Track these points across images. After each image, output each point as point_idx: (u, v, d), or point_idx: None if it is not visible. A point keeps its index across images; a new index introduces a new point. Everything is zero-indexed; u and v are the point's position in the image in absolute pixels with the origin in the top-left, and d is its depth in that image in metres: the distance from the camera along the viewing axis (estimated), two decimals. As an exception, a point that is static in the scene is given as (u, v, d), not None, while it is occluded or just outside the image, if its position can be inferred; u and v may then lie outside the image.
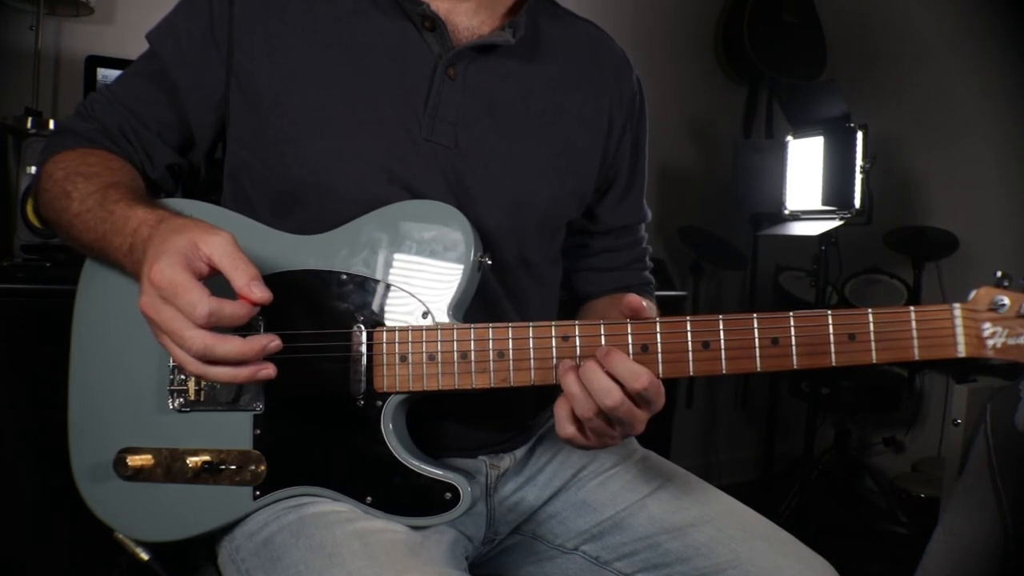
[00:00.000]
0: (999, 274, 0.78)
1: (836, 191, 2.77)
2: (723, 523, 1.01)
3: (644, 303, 0.85)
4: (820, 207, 2.84)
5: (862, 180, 2.75)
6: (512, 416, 1.07)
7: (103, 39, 2.14)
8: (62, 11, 2.06)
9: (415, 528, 0.91)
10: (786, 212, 2.99)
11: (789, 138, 2.99)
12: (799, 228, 2.93)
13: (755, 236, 3.42)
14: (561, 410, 0.87)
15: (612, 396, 0.82)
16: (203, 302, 0.76)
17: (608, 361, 0.83)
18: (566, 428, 0.87)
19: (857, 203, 2.74)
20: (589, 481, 1.08)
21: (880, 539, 2.86)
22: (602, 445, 0.89)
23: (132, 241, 0.86)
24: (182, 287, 0.76)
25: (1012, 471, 1.64)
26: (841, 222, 2.78)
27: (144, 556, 0.97)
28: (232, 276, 0.79)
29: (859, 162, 2.74)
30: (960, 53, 3.22)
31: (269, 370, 0.82)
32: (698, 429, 3.55)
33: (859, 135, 2.75)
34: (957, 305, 0.78)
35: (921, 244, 3.00)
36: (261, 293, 0.78)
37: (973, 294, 0.78)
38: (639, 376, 0.82)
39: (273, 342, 0.81)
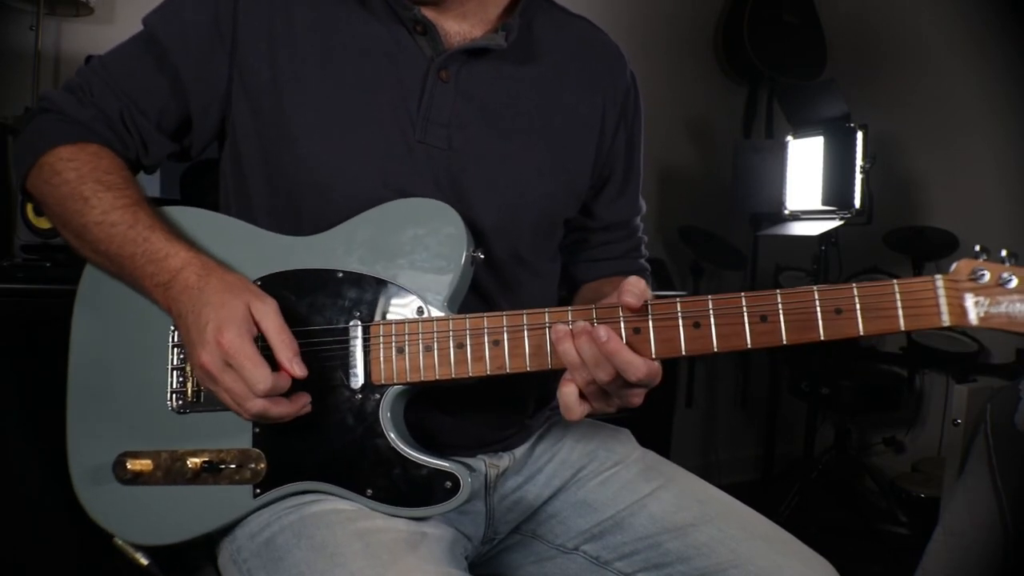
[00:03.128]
0: (978, 248, 0.81)
1: (836, 191, 2.77)
2: (723, 523, 1.01)
3: (644, 284, 0.86)
4: (820, 207, 2.84)
5: (862, 180, 2.75)
6: (511, 412, 1.07)
7: (103, 39, 2.13)
8: (62, 11, 2.07)
9: (416, 519, 0.91)
10: (786, 212, 2.99)
11: (789, 138, 2.99)
12: (799, 228, 2.93)
13: (755, 236, 3.42)
14: (564, 378, 0.87)
15: (606, 370, 0.84)
16: (266, 381, 0.84)
17: (605, 349, 0.83)
18: (566, 386, 0.87)
19: (857, 203, 2.74)
20: (589, 481, 1.08)
21: (880, 539, 2.86)
22: (601, 411, 0.90)
23: (171, 279, 0.91)
24: (251, 360, 0.85)
25: (1012, 471, 1.64)
26: (841, 222, 2.78)
27: (143, 561, 0.97)
28: (277, 350, 0.87)
29: (859, 162, 2.75)
30: (960, 53, 3.22)
31: (306, 405, 0.90)
32: (698, 429, 3.55)
33: (859, 135, 2.75)
34: (939, 276, 0.80)
35: (921, 244, 3.00)
36: (301, 371, 0.87)
37: (954, 266, 0.81)
38: (636, 369, 0.83)
39: (309, 405, 0.90)
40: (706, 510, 1.02)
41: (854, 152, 2.75)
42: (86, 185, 0.95)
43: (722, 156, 3.37)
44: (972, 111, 3.18)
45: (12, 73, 2.04)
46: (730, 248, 3.25)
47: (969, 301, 0.80)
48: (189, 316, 0.88)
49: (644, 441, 1.16)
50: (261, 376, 0.84)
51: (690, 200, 3.43)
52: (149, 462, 0.95)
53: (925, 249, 3.00)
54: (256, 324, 0.88)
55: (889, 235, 3.04)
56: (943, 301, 0.80)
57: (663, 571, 1.00)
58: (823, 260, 2.88)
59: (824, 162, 2.80)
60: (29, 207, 1.74)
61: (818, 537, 1.12)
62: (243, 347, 0.85)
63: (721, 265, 3.37)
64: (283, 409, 0.87)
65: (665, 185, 3.37)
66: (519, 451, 1.10)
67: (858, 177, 2.74)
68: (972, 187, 3.19)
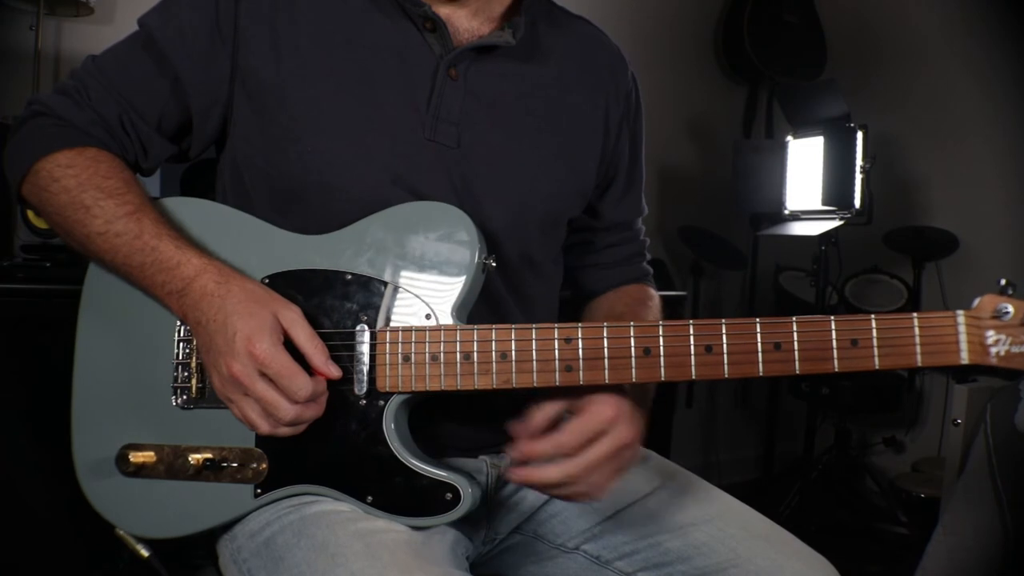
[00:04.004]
0: (1003, 282, 0.78)
1: (836, 191, 2.77)
2: (723, 522, 1.01)
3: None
4: (820, 207, 2.84)
5: (862, 180, 2.75)
6: (513, 414, 1.07)
7: (103, 39, 2.12)
8: (62, 11, 2.06)
9: (416, 528, 0.91)
10: (786, 212, 2.99)
11: (789, 138, 2.99)
12: (799, 228, 2.93)
13: (755, 236, 3.42)
14: None
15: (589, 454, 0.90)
16: (307, 387, 0.85)
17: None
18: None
19: (857, 203, 2.74)
20: (590, 480, 1.08)
21: (880, 539, 2.86)
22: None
23: (185, 287, 0.90)
24: (289, 370, 0.85)
25: (1012, 471, 1.64)
26: (841, 222, 2.78)
27: (144, 553, 0.97)
28: (311, 355, 0.88)
29: (859, 162, 2.74)
30: (960, 53, 3.22)
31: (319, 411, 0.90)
32: (698, 429, 3.55)
33: (859, 135, 2.75)
34: (961, 312, 0.78)
35: (921, 244, 3.00)
36: (337, 372, 0.89)
37: (977, 301, 0.78)
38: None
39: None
40: (706, 509, 1.03)
41: (854, 152, 2.74)
42: (87, 193, 0.94)
43: (722, 156, 3.37)
44: (972, 111, 3.18)
45: (12, 73, 2.04)
46: (730, 248, 3.25)
47: (991, 339, 0.77)
48: (211, 324, 0.87)
49: (644, 441, 1.16)
50: (302, 383, 0.85)
51: (690, 200, 3.43)
52: (152, 455, 0.95)
53: (925, 249, 3.00)
54: (284, 332, 0.87)
55: (889, 235, 3.04)
56: (963, 338, 0.77)
57: (663, 570, 1.00)
58: (823, 260, 2.88)
59: (824, 162, 2.80)
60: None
61: (818, 537, 1.12)
62: (279, 356, 0.85)
63: (721, 265, 3.37)
64: (314, 411, 0.88)
65: (665, 185, 3.36)
66: (520, 451, 1.10)
67: (858, 177, 2.74)
68: (972, 187, 3.18)
